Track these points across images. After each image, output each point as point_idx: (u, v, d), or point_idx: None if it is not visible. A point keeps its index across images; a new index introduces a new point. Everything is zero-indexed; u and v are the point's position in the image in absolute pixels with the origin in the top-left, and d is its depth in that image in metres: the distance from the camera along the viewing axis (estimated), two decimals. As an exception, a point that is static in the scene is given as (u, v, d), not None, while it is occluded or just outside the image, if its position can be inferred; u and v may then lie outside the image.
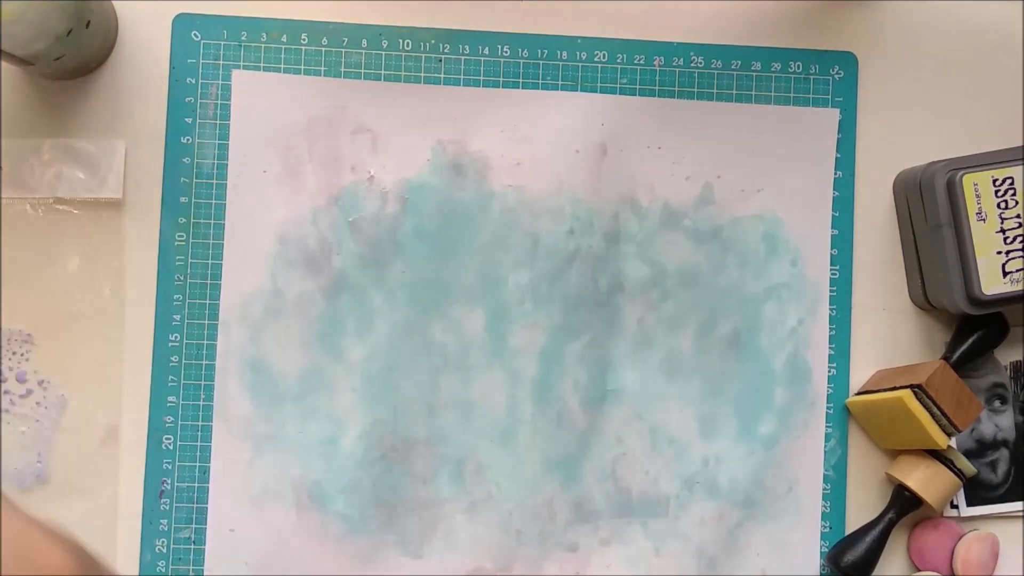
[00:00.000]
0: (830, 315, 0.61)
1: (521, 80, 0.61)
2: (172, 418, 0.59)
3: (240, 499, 0.59)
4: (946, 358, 0.59)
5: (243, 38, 0.60)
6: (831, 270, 0.62)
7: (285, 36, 0.60)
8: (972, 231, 0.56)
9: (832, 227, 0.62)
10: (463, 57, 0.61)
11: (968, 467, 0.59)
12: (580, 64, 0.61)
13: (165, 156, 0.60)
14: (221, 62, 0.60)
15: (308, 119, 0.60)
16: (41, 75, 0.59)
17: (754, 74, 0.62)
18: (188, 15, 0.60)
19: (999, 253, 0.56)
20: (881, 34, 0.62)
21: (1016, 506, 0.61)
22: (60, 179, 0.59)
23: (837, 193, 0.62)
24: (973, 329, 0.60)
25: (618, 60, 0.61)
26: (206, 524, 0.59)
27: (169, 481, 0.59)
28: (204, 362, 0.59)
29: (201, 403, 0.59)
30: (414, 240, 0.60)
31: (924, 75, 0.62)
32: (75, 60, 0.57)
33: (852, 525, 0.61)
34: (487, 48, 0.61)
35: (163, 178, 0.60)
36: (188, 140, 0.60)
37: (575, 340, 0.60)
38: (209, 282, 0.59)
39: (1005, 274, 0.56)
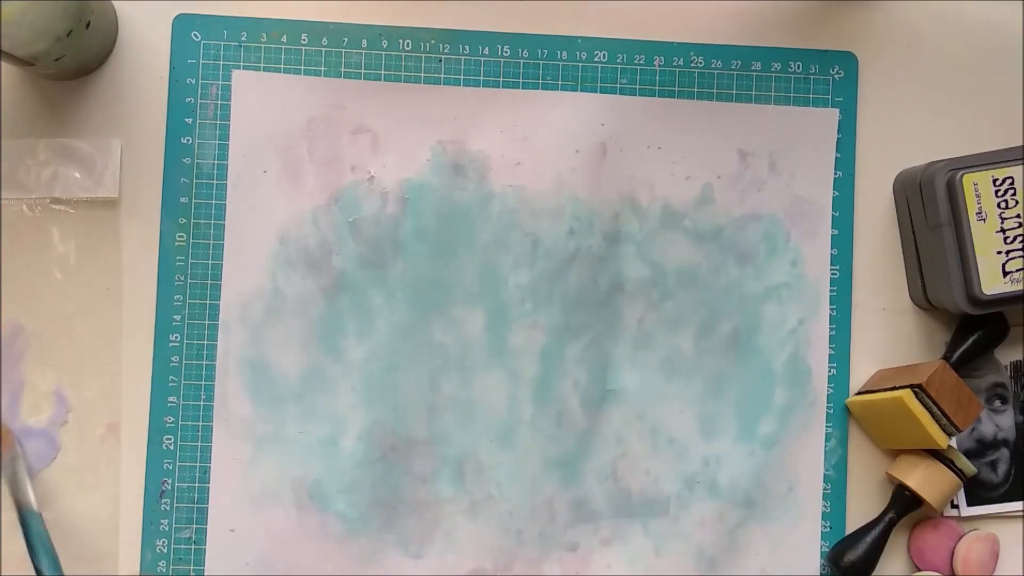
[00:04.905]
0: (830, 315, 0.61)
1: (521, 80, 0.61)
2: (172, 418, 0.59)
3: (240, 499, 0.59)
4: (946, 358, 0.59)
5: (243, 38, 0.60)
6: (831, 270, 0.62)
7: (285, 36, 0.60)
8: (972, 231, 0.56)
9: (832, 227, 0.62)
10: (463, 57, 0.61)
11: (968, 467, 0.59)
12: (580, 64, 0.61)
13: (165, 156, 0.60)
14: (221, 62, 0.60)
15: (308, 119, 0.60)
16: (41, 75, 0.59)
17: (754, 74, 0.62)
18: (188, 15, 0.60)
19: (999, 253, 0.56)
20: (881, 34, 0.62)
21: (1016, 506, 0.61)
22: (56, 179, 0.59)
23: (837, 193, 0.62)
24: (973, 329, 0.60)
25: (618, 60, 0.61)
26: (206, 524, 0.59)
27: (169, 481, 0.59)
28: (204, 362, 0.59)
29: (201, 403, 0.59)
30: (414, 240, 0.60)
31: (924, 75, 0.62)
32: (75, 60, 0.57)
33: (852, 525, 0.61)
34: (487, 48, 0.61)
35: (163, 178, 0.60)
36: (188, 140, 0.60)
37: (575, 340, 0.60)
38: (209, 282, 0.59)
39: (1005, 274, 0.56)
